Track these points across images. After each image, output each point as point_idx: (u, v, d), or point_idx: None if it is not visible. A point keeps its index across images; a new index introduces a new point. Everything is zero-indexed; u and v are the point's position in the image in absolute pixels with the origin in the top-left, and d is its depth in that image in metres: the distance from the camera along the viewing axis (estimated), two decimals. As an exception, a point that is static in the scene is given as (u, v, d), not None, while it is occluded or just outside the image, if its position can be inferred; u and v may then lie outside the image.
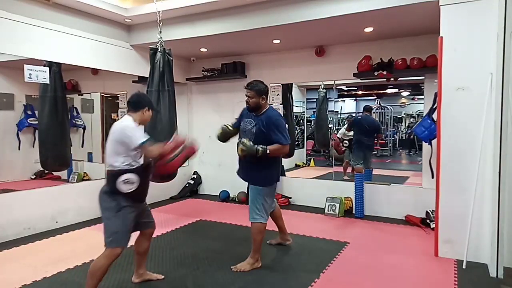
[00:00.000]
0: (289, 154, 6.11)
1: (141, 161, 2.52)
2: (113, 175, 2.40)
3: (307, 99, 7.56)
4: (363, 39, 4.87)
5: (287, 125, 2.99)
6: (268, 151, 2.93)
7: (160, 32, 3.80)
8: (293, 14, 4.10)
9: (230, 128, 3.26)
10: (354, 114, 8.64)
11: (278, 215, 3.58)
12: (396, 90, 9.28)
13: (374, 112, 9.64)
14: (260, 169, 3.10)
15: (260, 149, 2.92)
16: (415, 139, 8.25)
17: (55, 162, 4.76)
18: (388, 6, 3.61)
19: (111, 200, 2.40)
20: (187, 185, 6.25)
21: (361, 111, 6.51)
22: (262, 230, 3.10)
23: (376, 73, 4.70)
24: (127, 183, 2.40)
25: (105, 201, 2.41)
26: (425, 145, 4.37)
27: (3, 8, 3.77)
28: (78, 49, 4.54)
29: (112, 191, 2.40)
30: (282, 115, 3.30)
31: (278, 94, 5.68)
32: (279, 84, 5.66)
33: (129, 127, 2.44)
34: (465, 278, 2.93)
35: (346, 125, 6.70)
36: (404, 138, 10.40)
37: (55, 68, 4.43)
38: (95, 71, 5.31)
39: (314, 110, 7.58)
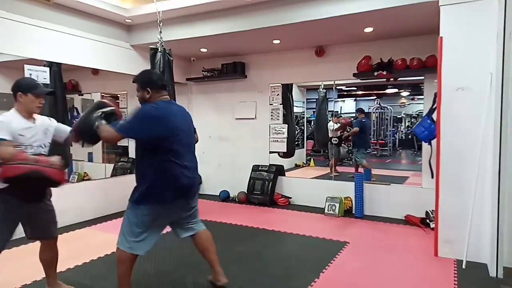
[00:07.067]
0: (290, 154, 6.13)
1: None
2: None
3: (307, 99, 7.57)
4: (363, 39, 4.87)
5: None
6: (101, 126, 2.21)
7: (160, 32, 3.80)
8: (293, 14, 4.10)
9: None
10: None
11: (205, 244, 2.68)
12: (396, 90, 9.31)
13: (373, 112, 9.78)
14: (140, 176, 2.31)
15: (97, 122, 2.22)
16: (415, 139, 8.28)
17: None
18: (388, 6, 3.62)
19: None
20: (187, 185, 6.24)
21: (357, 112, 6.83)
22: (123, 260, 2.34)
23: (376, 73, 4.70)
24: None
25: None
26: (424, 145, 4.37)
27: (3, 8, 3.77)
28: (78, 49, 4.55)
29: None
30: (156, 109, 2.34)
31: (278, 94, 5.68)
32: (279, 84, 5.67)
33: None
34: (465, 278, 2.93)
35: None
36: (403, 138, 10.44)
37: (55, 68, 4.42)
38: (95, 71, 5.30)
39: (314, 110, 7.60)
